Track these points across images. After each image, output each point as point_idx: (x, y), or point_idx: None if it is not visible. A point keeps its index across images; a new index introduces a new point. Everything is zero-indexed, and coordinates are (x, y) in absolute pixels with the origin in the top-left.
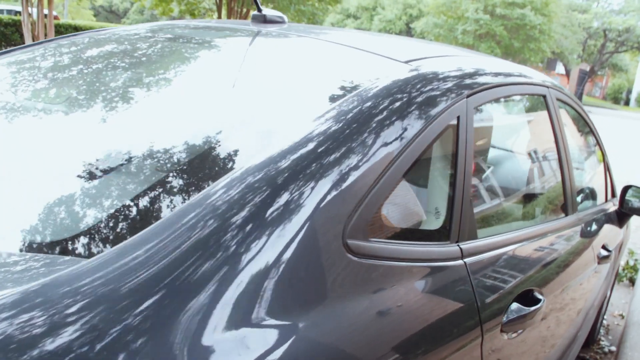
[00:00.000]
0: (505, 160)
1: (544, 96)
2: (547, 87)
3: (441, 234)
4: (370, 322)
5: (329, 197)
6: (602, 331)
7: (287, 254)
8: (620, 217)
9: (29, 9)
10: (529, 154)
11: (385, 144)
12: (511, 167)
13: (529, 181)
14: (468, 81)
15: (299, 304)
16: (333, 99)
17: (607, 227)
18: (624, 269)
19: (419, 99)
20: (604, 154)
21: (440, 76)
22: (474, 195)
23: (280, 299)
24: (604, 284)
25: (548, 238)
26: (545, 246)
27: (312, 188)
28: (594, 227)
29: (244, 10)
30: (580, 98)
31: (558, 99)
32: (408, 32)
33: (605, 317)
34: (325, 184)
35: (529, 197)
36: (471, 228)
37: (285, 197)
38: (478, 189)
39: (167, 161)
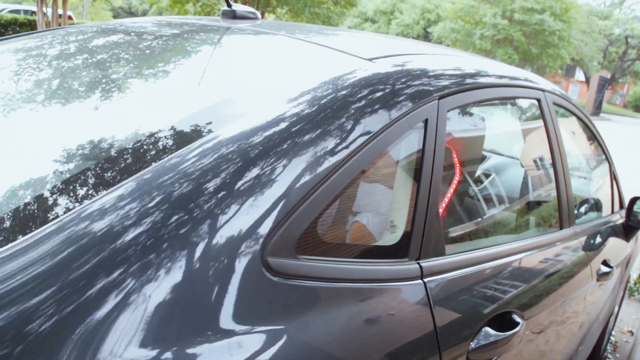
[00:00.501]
0: (488, 169)
1: (539, 100)
2: (543, 90)
3: (398, 251)
4: (292, 355)
5: (245, 207)
6: (609, 348)
7: (189, 274)
8: (628, 230)
9: (44, 9)
10: (517, 163)
11: (327, 150)
12: (495, 177)
13: (515, 192)
14: (442, 81)
15: (197, 333)
16: (278, 98)
17: (612, 241)
18: (635, 283)
19: (377, 100)
20: (610, 163)
21: (407, 75)
22: (446, 207)
23: (171, 327)
24: (609, 300)
25: (534, 254)
26: (529, 263)
27: (226, 197)
28: (595, 241)
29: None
30: (599, 106)
31: (556, 104)
32: (426, 37)
33: (613, 333)
34: (243, 193)
35: (513, 210)
36: (437, 244)
37: (193, 206)
38: (451, 200)
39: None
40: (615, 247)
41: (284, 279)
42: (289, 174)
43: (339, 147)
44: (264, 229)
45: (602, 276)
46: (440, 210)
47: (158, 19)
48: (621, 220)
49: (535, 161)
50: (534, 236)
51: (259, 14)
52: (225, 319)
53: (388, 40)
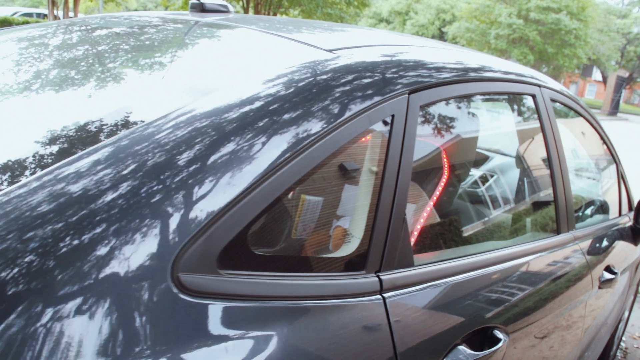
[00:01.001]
0: (472, 170)
1: (533, 96)
2: (539, 85)
3: (353, 263)
4: None
5: (156, 211)
6: (619, 354)
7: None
8: (637, 233)
9: (55, 11)
10: (506, 164)
11: (266, 148)
12: (478, 179)
13: (502, 195)
14: (412, 74)
15: None
16: (218, 92)
17: (619, 245)
18: None
19: (331, 94)
20: (617, 164)
21: (370, 67)
22: (418, 212)
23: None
24: (617, 305)
25: (522, 262)
26: (516, 272)
27: (133, 199)
28: (598, 245)
29: (271, 14)
30: (617, 105)
31: (554, 100)
32: (441, 36)
33: (623, 339)
34: (154, 195)
35: (499, 214)
36: (403, 254)
37: (90, 212)
38: (425, 205)
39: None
40: (622, 252)
41: (201, 298)
42: (215, 173)
43: (282, 145)
44: (177, 238)
45: (604, 283)
46: (409, 215)
47: (127, 14)
48: (630, 223)
49: (526, 162)
50: (523, 243)
51: (230, 7)
52: (125, 348)
53: (360, 31)
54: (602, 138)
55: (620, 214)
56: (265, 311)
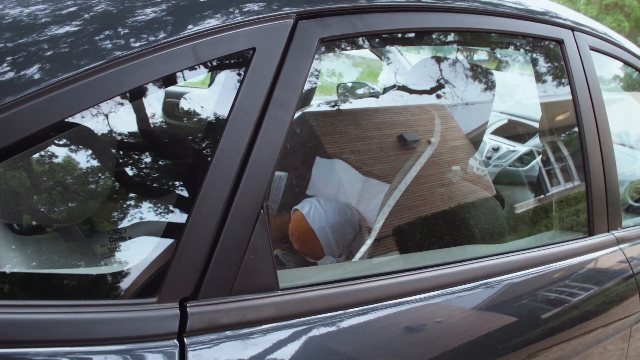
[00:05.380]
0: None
1: (560, 42)
2: (571, 27)
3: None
4: None
5: None
6: None
7: None
8: None
9: None
10: (509, 137)
11: None
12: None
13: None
14: None
15: None
16: None
17: None
18: None
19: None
20: None
21: None
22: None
23: None
24: None
25: (528, 275)
26: (521, 289)
27: None
28: None
29: None
30: None
31: (596, 50)
32: None
33: None
34: None
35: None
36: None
37: None
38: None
39: None
40: None
41: None
42: None
43: None
44: None
45: None
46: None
47: None
48: None
49: (547, 135)
50: (528, 248)
51: None
52: None
53: None
54: None
55: None
56: None
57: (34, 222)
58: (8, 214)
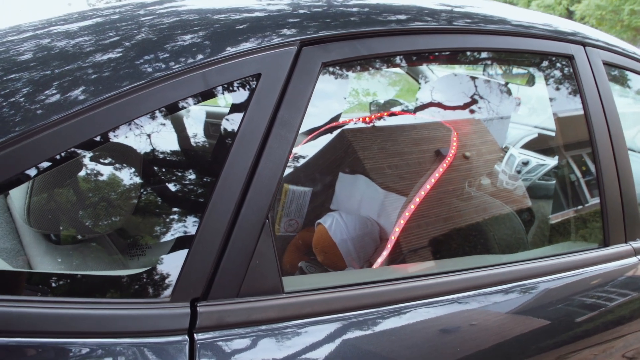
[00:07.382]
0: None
1: (570, 58)
2: (582, 43)
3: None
4: None
5: None
6: None
7: None
8: None
9: None
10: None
11: None
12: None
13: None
14: (306, 18)
15: None
16: None
17: None
18: None
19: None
20: None
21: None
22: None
23: None
24: None
25: (534, 287)
26: (521, 304)
27: None
28: None
29: None
30: None
31: (610, 65)
32: (569, 16)
33: None
34: None
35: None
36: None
37: None
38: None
39: None
40: None
41: None
42: None
43: None
44: None
45: None
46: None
47: None
48: None
49: (558, 144)
50: (534, 259)
51: None
52: None
53: None
54: None
55: None
56: None
57: (69, 233)
58: (46, 225)
